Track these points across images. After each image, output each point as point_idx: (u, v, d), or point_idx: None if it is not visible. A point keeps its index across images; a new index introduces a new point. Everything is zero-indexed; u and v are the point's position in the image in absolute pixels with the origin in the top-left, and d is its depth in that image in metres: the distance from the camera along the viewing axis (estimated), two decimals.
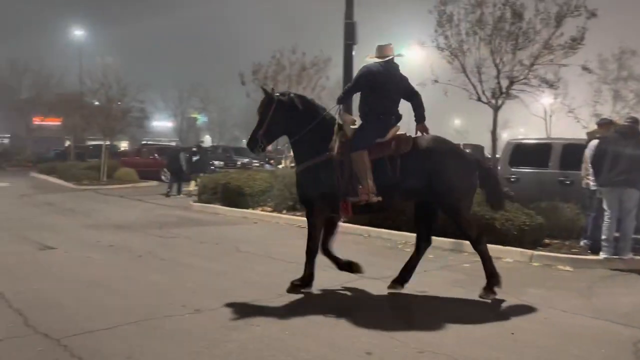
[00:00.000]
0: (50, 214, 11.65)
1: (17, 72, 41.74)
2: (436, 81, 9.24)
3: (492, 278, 5.31)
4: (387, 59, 5.36)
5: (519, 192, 9.37)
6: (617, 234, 7.07)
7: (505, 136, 45.05)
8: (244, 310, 4.82)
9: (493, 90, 8.92)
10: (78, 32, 41.04)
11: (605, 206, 7.07)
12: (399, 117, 5.46)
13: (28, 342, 3.96)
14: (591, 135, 7.73)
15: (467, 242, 7.68)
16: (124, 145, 50.06)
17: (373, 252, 7.82)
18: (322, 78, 13.50)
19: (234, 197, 12.10)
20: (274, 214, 11.16)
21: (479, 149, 20.43)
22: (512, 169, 10.58)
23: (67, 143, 37.84)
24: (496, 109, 9.03)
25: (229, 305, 4.95)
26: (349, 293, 5.55)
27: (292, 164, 18.13)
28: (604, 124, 7.79)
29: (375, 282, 5.98)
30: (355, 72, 10.77)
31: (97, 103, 21.95)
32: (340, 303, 5.18)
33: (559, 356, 3.92)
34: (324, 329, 4.41)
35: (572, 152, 9.59)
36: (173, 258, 6.92)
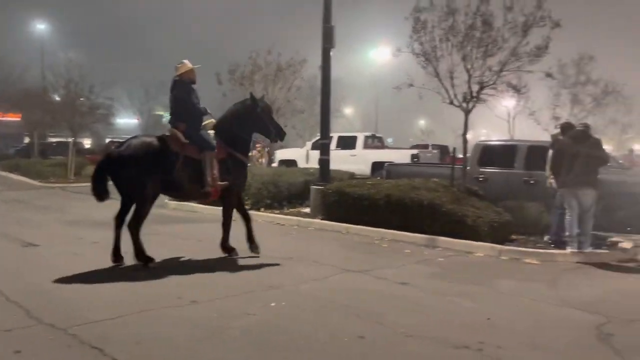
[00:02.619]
0: (23, 211, 11.53)
1: None
2: (411, 85, 9.64)
3: (140, 255, 6.40)
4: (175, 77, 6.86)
5: (488, 191, 9.91)
6: (578, 230, 7.62)
7: (469, 137, 46.39)
8: (238, 301, 5.08)
9: (464, 95, 9.38)
10: (40, 26, 40.01)
11: (565, 205, 7.64)
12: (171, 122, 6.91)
13: (37, 332, 4.12)
14: (555, 138, 8.29)
15: (442, 238, 8.21)
16: (87, 142, 48.90)
17: (351, 247, 8.17)
18: (298, 79, 13.76)
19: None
20: (252, 212, 11.32)
21: (445, 149, 21.19)
22: (481, 169, 11.13)
23: (27, 140, 36.86)
24: (467, 112, 9.50)
25: (223, 297, 5.20)
26: (333, 285, 5.86)
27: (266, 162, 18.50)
28: (566, 127, 8.36)
29: (355, 274, 6.34)
30: (333, 74, 11.17)
31: (58, 99, 21.61)
32: (326, 292, 5.48)
33: (534, 339, 4.33)
34: (317, 315, 4.72)
35: (536, 154, 10.20)
36: (158, 254, 7.07)
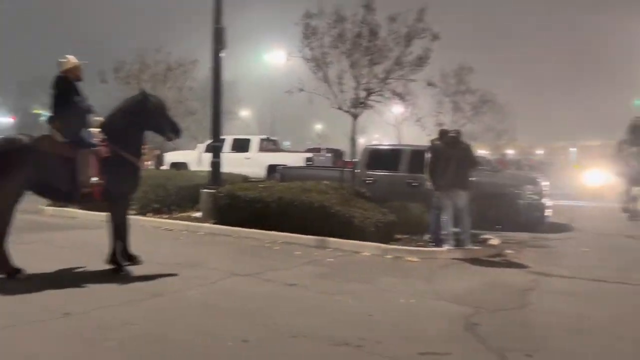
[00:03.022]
0: None
1: None
2: (302, 90, 9.83)
3: (5, 266, 5.93)
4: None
5: (375, 193, 10.36)
6: (457, 229, 8.21)
7: (362, 141, 48.17)
8: (116, 311, 4.85)
9: (352, 100, 9.74)
10: None
11: (441, 205, 8.20)
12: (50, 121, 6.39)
13: None
14: (432, 143, 8.87)
15: (331, 239, 8.42)
16: None
17: (242, 251, 8.12)
18: (189, 79, 13.43)
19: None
20: (138, 217, 10.85)
21: (338, 152, 21.80)
22: (369, 172, 11.62)
23: None
24: (355, 117, 9.87)
25: (101, 307, 4.93)
26: (220, 290, 5.79)
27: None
28: (443, 133, 8.97)
29: (244, 278, 6.33)
30: (225, 76, 11.03)
31: None
32: (212, 297, 5.41)
33: (409, 332, 4.60)
34: (201, 321, 4.64)
35: (418, 158, 10.84)
36: (30, 265, 6.52)
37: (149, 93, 6.97)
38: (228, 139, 17.77)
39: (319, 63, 9.67)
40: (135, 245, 6.85)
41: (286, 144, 55.01)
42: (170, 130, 6.87)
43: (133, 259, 6.71)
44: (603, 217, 13.41)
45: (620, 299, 5.87)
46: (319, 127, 65.60)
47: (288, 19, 10.30)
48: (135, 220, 10.68)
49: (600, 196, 17.34)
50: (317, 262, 7.40)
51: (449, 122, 28.87)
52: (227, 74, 11.17)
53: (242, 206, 9.57)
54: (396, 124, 29.33)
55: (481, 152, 46.46)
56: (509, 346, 4.27)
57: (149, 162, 14.51)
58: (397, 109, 27.56)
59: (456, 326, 4.76)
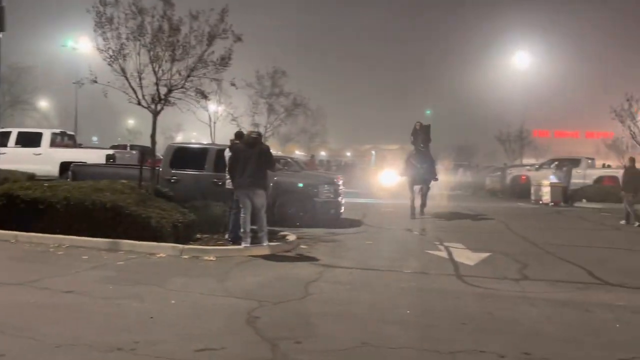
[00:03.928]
0: None
1: None
2: (95, 81, 9.16)
3: None
4: None
5: (179, 192, 10.15)
6: (255, 227, 8.43)
7: (179, 139, 46.62)
8: None
9: (152, 96, 9.39)
10: None
11: (240, 204, 8.37)
12: None
13: None
14: (231, 143, 9.01)
15: (125, 241, 8.04)
16: None
17: (19, 257, 7.29)
18: None
19: None
20: None
21: (146, 149, 20.84)
22: (173, 171, 11.35)
23: None
24: (155, 113, 9.54)
25: None
26: None
27: None
28: (240, 134, 9.16)
29: (13, 287, 5.72)
30: (13, 60, 9.74)
31: None
32: None
33: (190, 331, 4.60)
34: None
35: (224, 157, 10.94)
36: None
37: None
38: (13, 132, 15.81)
39: (115, 54, 9.10)
40: None
41: (94, 139, 50.80)
42: None
43: None
44: (391, 213, 15.01)
45: (388, 285, 6.63)
46: (131, 122, 61.86)
47: (88, 3, 9.45)
48: None
49: (392, 194, 19.41)
50: (106, 266, 6.98)
51: (264, 122, 29.65)
52: (20, 59, 9.90)
53: (23, 207, 8.61)
54: (210, 122, 29.09)
55: (298, 153, 48.68)
56: (282, 335, 4.54)
57: None
58: (212, 107, 27.35)
59: (238, 321, 4.91)
